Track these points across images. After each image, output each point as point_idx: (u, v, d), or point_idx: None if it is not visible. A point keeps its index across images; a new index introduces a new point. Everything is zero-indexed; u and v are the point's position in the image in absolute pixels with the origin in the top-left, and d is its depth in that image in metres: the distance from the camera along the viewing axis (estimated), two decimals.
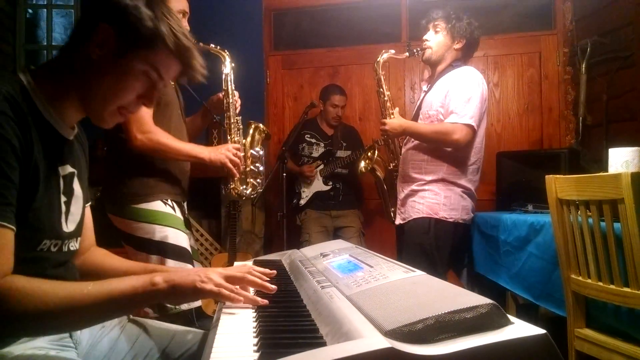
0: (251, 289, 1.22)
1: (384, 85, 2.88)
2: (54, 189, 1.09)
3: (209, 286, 1.06)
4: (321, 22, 4.55)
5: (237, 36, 4.28)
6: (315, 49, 4.51)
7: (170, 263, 2.09)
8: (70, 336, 1.17)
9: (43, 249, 1.06)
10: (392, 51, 2.89)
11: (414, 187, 2.68)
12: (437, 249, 2.60)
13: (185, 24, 2.29)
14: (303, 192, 3.97)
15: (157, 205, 2.13)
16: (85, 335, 1.22)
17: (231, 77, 2.47)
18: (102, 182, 2.23)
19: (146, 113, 2.05)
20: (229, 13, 4.39)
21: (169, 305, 1.99)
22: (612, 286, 1.75)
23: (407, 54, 2.84)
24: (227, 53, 2.49)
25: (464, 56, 2.76)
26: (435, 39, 2.72)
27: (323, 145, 4.02)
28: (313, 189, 3.96)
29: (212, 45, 2.47)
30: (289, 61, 4.53)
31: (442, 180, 2.62)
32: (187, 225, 2.32)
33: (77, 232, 1.19)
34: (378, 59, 2.87)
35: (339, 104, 3.94)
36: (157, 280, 1.02)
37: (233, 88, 2.47)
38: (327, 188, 3.94)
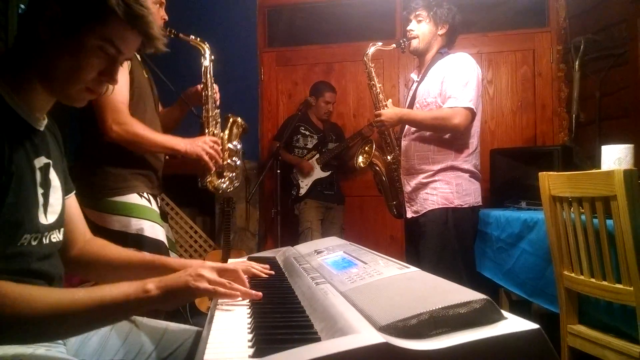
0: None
1: (375, 78, 2.88)
2: (29, 182, 1.06)
3: (203, 284, 1.03)
4: (315, 18, 4.55)
5: (231, 33, 4.28)
6: (310, 45, 4.51)
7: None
8: None
9: (24, 244, 1.04)
10: (380, 43, 2.89)
11: (421, 179, 2.67)
12: (458, 238, 2.60)
13: (162, 13, 2.25)
14: (301, 182, 4.03)
15: (132, 198, 2.09)
16: None
17: (210, 70, 2.43)
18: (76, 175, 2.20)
19: (122, 104, 2.02)
20: (223, 9, 4.38)
21: None
22: (604, 282, 1.76)
23: (394, 45, 2.84)
24: (207, 45, 2.44)
25: (449, 42, 2.77)
26: (420, 28, 2.73)
27: (316, 137, 4.12)
28: (313, 177, 4.04)
29: (192, 37, 2.42)
30: (283, 58, 4.52)
31: (450, 168, 2.62)
32: (164, 217, 2.30)
33: (59, 223, 1.16)
34: (367, 52, 2.87)
35: (330, 100, 4.09)
36: (150, 287, 0.99)
37: (213, 81, 2.43)
38: (326, 174, 4.05)
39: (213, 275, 1.07)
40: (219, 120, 2.43)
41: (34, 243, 1.06)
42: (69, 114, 4.30)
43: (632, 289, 1.63)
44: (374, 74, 2.88)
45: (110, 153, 2.07)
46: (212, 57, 2.44)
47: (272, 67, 4.52)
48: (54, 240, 1.14)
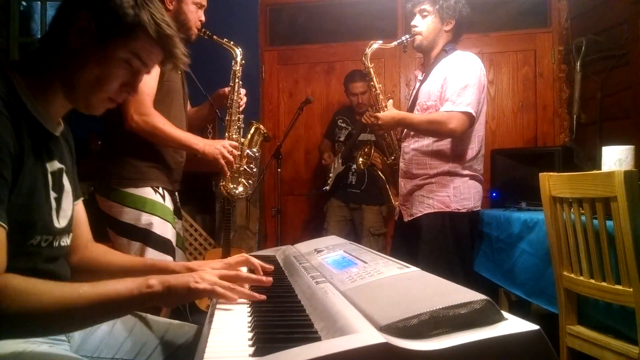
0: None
1: (374, 78, 2.76)
2: (41, 185, 1.07)
3: (203, 285, 1.06)
4: (317, 17, 4.54)
5: (233, 31, 4.21)
6: (311, 44, 4.50)
7: (151, 252, 2.06)
8: None
9: (33, 244, 1.05)
10: (380, 41, 2.75)
11: (418, 182, 2.61)
12: (456, 243, 2.54)
13: (201, 14, 2.28)
14: (329, 177, 3.87)
15: (146, 192, 2.09)
16: None
17: (239, 74, 2.44)
18: (96, 164, 2.18)
19: (147, 95, 2.02)
20: (224, 8, 4.36)
21: None
22: (604, 283, 1.77)
23: (396, 42, 2.72)
24: (240, 50, 2.46)
25: (455, 37, 2.66)
26: (424, 24, 2.60)
27: (349, 129, 3.95)
28: (335, 172, 3.87)
29: (225, 40, 2.45)
30: (285, 57, 4.52)
31: (447, 173, 2.55)
32: (178, 214, 2.29)
33: (69, 228, 1.18)
34: (366, 51, 2.73)
35: (356, 91, 3.79)
36: (153, 283, 1.02)
37: (240, 85, 2.44)
38: (342, 168, 3.83)
39: (214, 279, 1.10)
40: (242, 125, 2.43)
41: (44, 245, 1.08)
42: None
43: (631, 290, 1.63)
44: (373, 73, 2.77)
45: (133, 144, 2.08)
46: (243, 61, 2.46)
47: (274, 66, 4.52)
48: (62, 244, 1.16)
